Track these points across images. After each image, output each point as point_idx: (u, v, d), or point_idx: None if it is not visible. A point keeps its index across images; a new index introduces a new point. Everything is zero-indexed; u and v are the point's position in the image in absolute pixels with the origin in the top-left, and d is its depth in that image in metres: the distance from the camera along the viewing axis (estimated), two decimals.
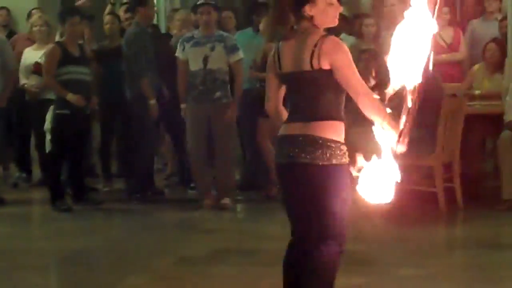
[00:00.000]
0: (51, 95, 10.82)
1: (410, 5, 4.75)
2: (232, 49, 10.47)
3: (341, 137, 5.15)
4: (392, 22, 9.88)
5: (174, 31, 12.23)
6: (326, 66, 5.05)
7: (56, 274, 8.39)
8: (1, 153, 12.14)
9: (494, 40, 11.25)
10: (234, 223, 9.98)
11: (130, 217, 10.33)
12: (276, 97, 5.42)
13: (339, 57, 5.04)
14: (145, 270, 8.11)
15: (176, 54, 10.47)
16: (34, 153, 11.98)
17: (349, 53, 5.11)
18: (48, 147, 10.64)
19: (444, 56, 12.10)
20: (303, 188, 5.17)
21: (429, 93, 8.92)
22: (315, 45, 5.06)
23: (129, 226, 9.90)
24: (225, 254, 8.59)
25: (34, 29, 11.77)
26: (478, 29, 12.60)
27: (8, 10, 12.51)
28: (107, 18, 11.88)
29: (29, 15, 12.40)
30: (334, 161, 5.09)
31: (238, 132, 11.22)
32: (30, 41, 11.93)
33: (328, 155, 5.08)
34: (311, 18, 5.12)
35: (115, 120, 11.55)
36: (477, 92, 11.03)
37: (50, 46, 10.61)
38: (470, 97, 10.82)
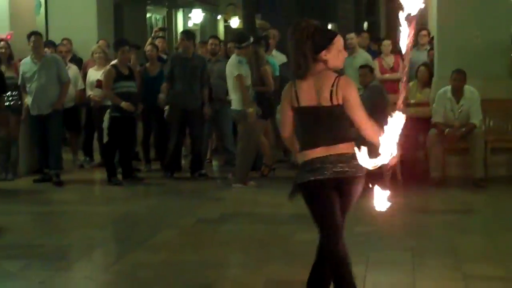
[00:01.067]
0: (108, 103, 10.85)
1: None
2: None
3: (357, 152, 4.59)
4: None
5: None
6: (341, 101, 4.78)
7: (110, 230, 8.40)
8: (71, 143, 12.17)
9: (423, 64, 11.35)
10: (237, 193, 9.99)
11: (162, 189, 10.35)
12: (291, 125, 4.98)
13: (350, 93, 4.78)
14: (173, 227, 8.14)
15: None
16: (95, 144, 12.03)
17: (357, 91, 4.93)
18: (105, 139, 10.72)
19: (387, 75, 12.26)
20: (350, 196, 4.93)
21: (379, 102, 8.99)
22: (333, 85, 4.77)
23: (162, 196, 9.92)
24: (230, 216, 8.62)
25: (95, 55, 11.78)
26: (414, 57, 12.61)
27: (70, 40, 12.43)
28: (148, 47, 11.90)
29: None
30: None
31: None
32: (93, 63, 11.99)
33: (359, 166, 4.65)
34: (325, 61, 4.84)
35: (153, 120, 11.56)
36: (412, 101, 11.07)
37: (107, 67, 10.63)
38: (407, 105, 10.85)
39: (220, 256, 6.85)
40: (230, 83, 10.33)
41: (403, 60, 8.92)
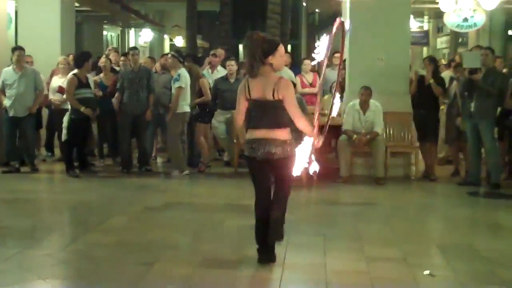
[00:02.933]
0: (66, 106, 10.71)
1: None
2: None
3: (290, 136, 5.61)
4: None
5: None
6: (281, 97, 5.48)
7: (67, 215, 8.28)
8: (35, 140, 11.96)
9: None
10: (178, 186, 9.95)
11: (114, 181, 10.21)
12: (243, 114, 5.68)
13: (287, 93, 5.51)
14: (124, 214, 8.05)
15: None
16: (56, 141, 11.84)
17: (293, 90, 5.72)
18: (63, 137, 10.60)
19: (307, 89, 12.35)
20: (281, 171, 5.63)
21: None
22: (275, 84, 5.48)
23: (113, 187, 9.79)
24: (172, 205, 8.58)
25: (60, 65, 11.62)
26: (328, 75, 12.75)
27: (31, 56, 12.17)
28: (102, 60, 11.79)
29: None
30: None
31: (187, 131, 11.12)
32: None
33: (288, 149, 5.55)
34: (271, 64, 5.53)
35: (107, 122, 11.43)
36: (326, 111, 11.16)
37: (69, 75, 10.46)
38: (322, 115, 10.94)
39: (163, 238, 6.81)
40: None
41: (319, 77, 8.96)
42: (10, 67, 10.72)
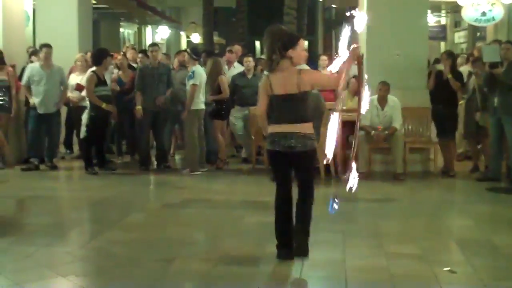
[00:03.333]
0: (84, 103, 10.77)
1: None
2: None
3: (312, 131, 5.61)
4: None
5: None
6: (307, 88, 5.49)
7: (86, 212, 8.31)
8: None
9: (354, 76, 11.30)
10: (196, 183, 9.96)
11: (132, 178, 10.25)
12: (265, 106, 5.61)
13: (313, 76, 5.64)
14: (142, 211, 8.10)
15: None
16: (75, 139, 11.92)
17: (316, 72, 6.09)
18: (82, 134, 10.60)
19: None
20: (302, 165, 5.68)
21: (318, 107, 9.03)
22: (297, 77, 5.44)
23: (132, 184, 9.84)
24: (191, 202, 8.60)
25: (77, 63, 11.68)
26: None
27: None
28: (119, 57, 11.84)
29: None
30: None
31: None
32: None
33: (309, 143, 5.58)
34: (291, 58, 5.46)
35: (125, 120, 11.48)
36: (344, 107, 11.16)
37: (89, 73, 10.51)
38: (340, 111, 10.92)
39: (182, 235, 6.83)
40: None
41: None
42: (37, 64, 10.80)
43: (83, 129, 10.58)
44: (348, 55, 5.27)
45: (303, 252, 5.65)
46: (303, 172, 5.74)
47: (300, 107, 5.52)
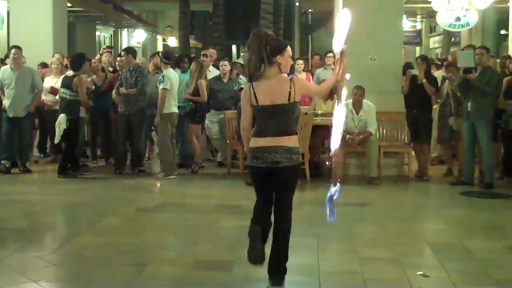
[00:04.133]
0: (57, 107, 10.70)
1: None
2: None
3: (297, 144, 5.15)
4: None
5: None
6: (298, 98, 5.06)
7: (59, 216, 8.24)
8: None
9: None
10: (170, 187, 9.91)
11: (107, 182, 10.17)
12: (250, 118, 5.12)
13: (307, 89, 5.42)
14: (116, 214, 8.03)
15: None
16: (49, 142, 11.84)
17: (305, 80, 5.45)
18: (57, 139, 10.41)
19: None
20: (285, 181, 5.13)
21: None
22: (290, 87, 4.98)
23: (106, 188, 9.76)
24: (165, 206, 8.56)
25: (53, 66, 11.60)
26: (321, 75, 12.74)
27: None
28: (94, 61, 11.78)
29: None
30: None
31: (177, 132, 11.07)
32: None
33: (295, 158, 5.07)
34: (279, 64, 5.03)
35: (100, 123, 11.41)
36: (319, 112, 11.20)
37: (78, 77, 10.24)
38: (315, 115, 10.96)
39: (156, 239, 6.79)
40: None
41: (313, 77, 8.85)
42: (8, 66, 10.66)
43: (58, 133, 10.46)
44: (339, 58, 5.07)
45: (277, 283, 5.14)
46: (283, 192, 5.15)
47: (287, 118, 5.06)
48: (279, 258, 5.11)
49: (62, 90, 10.40)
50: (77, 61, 10.52)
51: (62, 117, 10.27)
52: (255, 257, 5.08)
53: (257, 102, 5.02)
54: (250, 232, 5.10)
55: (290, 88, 4.97)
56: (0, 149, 10.70)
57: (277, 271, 5.13)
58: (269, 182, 5.12)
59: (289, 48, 5.15)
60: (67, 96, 10.26)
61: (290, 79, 5.08)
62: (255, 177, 5.21)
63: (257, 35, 5.04)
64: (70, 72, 10.40)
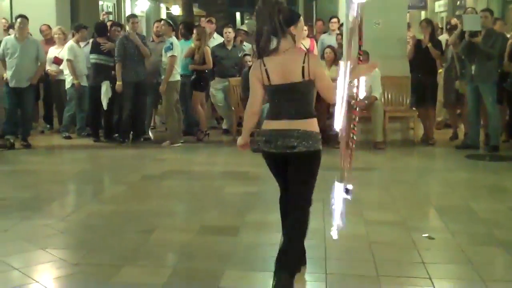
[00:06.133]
0: (63, 77, 10.69)
1: None
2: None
3: (316, 129, 4.50)
4: None
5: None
6: (312, 77, 4.33)
7: (65, 185, 8.26)
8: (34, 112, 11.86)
9: (328, 46, 11.26)
10: (176, 154, 9.94)
11: (112, 151, 10.19)
12: (260, 102, 4.48)
13: (320, 71, 4.39)
14: (122, 183, 8.06)
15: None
16: (54, 112, 11.85)
17: (322, 65, 4.60)
18: (105, 107, 10.70)
19: None
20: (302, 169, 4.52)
21: None
22: (304, 62, 4.30)
23: (111, 157, 9.81)
24: (171, 173, 8.59)
25: (55, 36, 11.56)
26: (325, 40, 12.68)
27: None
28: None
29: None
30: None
31: (181, 100, 11.05)
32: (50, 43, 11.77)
33: (312, 142, 4.46)
34: (293, 36, 4.37)
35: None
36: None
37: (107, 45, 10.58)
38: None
39: (162, 207, 6.83)
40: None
41: (317, 43, 8.67)
42: (12, 36, 10.49)
43: (106, 101, 10.57)
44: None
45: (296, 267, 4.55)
46: (300, 183, 4.54)
47: (304, 98, 4.41)
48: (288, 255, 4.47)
49: (94, 56, 10.66)
50: (102, 28, 11.03)
51: (106, 84, 10.40)
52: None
53: (269, 81, 4.37)
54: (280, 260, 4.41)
55: (304, 63, 4.30)
56: (4, 124, 10.63)
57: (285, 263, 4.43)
58: (283, 171, 4.54)
59: (301, 18, 4.52)
60: (103, 62, 10.52)
61: (306, 53, 4.38)
62: (269, 164, 4.60)
63: (268, 2, 4.36)
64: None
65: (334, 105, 4.24)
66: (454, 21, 11.98)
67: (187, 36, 11.34)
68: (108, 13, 15.37)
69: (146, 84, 10.73)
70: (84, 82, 11.07)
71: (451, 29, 10.99)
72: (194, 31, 10.98)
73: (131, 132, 10.81)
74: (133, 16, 11.36)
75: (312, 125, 4.44)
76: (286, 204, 4.65)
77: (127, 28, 10.80)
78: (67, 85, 11.09)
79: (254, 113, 4.54)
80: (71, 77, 11.01)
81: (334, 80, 4.28)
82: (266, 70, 4.36)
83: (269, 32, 4.32)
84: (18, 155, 9.95)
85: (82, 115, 11.30)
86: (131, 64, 10.48)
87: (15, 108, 10.48)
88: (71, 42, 11.13)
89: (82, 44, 11.37)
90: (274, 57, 4.34)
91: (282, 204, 4.74)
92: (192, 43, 10.97)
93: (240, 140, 4.75)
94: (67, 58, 10.95)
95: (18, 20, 10.38)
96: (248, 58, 11.00)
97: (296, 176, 4.49)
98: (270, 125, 4.44)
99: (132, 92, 10.56)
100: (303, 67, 4.30)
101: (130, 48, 10.49)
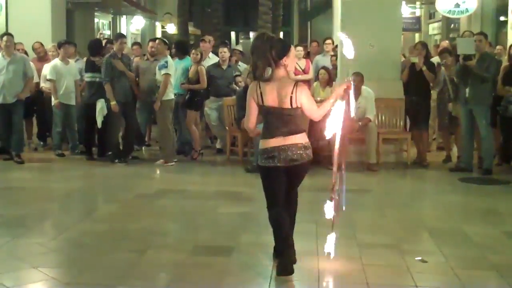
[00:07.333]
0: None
1: None
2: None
3: (307, 140, 5.17)
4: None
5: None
6: (299, 105, 5.00)
7: (58, 204, 8.22)
8: (27, 129, 11.83)
9: (322, 67, 11.35)
10: (170, 173, 9.93)
11: (105, 170, 10.19)
12: (255, 118, 5.15)
13: (306, 100, 5.02)
14: (115, 201, 8.04)
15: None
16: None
17: (309, 93, 5.20)
18: (100, 125, 10.64)
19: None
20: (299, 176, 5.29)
21: None
22: (292, 92, 4.95)
23: (104, 175, 9.79)
24: (165, 192, 8.57)
25: (49, 53, 11.58)
26: (320, 61, 12.74)
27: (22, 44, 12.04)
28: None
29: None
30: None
31: (175, 119, 11.06)
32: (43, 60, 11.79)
33: (308, 152, 5.18)
34: (285, 66, 5.05)
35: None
36: (318, 98, 11.16)
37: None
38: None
39: (155, 226, 6.80)
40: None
41: (311, 64, 8.71)
42: (0, 54, 10.60)
43: (100, 119, 10.55)
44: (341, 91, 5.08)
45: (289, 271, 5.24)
46: (297, 186, 5.38)
47: (294, 120, 5.07)
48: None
49: (89, 74, 10.65)
50: (96, 46, 10.99)
51: (102, 102, 10.38)
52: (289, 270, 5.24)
53: (263, 102, 5.02)
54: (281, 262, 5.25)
55: (292, 93, 4.97)
56: None
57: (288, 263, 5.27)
58: (284, 181, 5.17)
59: (293, 47, 5.23)
60: (97, 79, 10.51)
61: (295, 83, 5.03)
62: (271, 177, 5.14)
63: (261, 39, 5.03)
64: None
65: (326, 129, 5.03)
66: (444, 43, 12.07)
67: (179, 55, 11.36)
68: (103, 33, 15.41)
69: (134, 103, 10.72)
70: (71, 101, 11.06)
71: (441, 52, 11.06)
72: (194, 51, 10.95)
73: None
74: (121, 35, 11.13)
75: (304, 137, 5.13)
76: (282, 221, 5.27)
77: (114, 47, 10.70)
78: (53, 103, 11.11)
79: (250, 129, 5.23)
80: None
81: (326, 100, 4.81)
82: (260, 93, 5.02)
83: (264, 65, 4.98)
84: (11, 171, 9.92)
85: (73, 133, 11.30)
86: (119, 83, 10.45)
87: (4, 123, 10.52)
88: (56, 61, 11.16)
89: (72, 60, 11.40)
90: (269, 83, 5.00)
91: (278, 221, 5.24)
92: (189, 62, 10.98)
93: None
94: (48, 78, 11.03)
95: (4, 38, 10.51)
96: (239, 79, 11.04)
97: (296, 180, 5.30)
98: (268, 143, 5.08)
99: (121, 112, 10.52)
100: (291, 97, 4.96)
101: (117, 68, 10.45)
